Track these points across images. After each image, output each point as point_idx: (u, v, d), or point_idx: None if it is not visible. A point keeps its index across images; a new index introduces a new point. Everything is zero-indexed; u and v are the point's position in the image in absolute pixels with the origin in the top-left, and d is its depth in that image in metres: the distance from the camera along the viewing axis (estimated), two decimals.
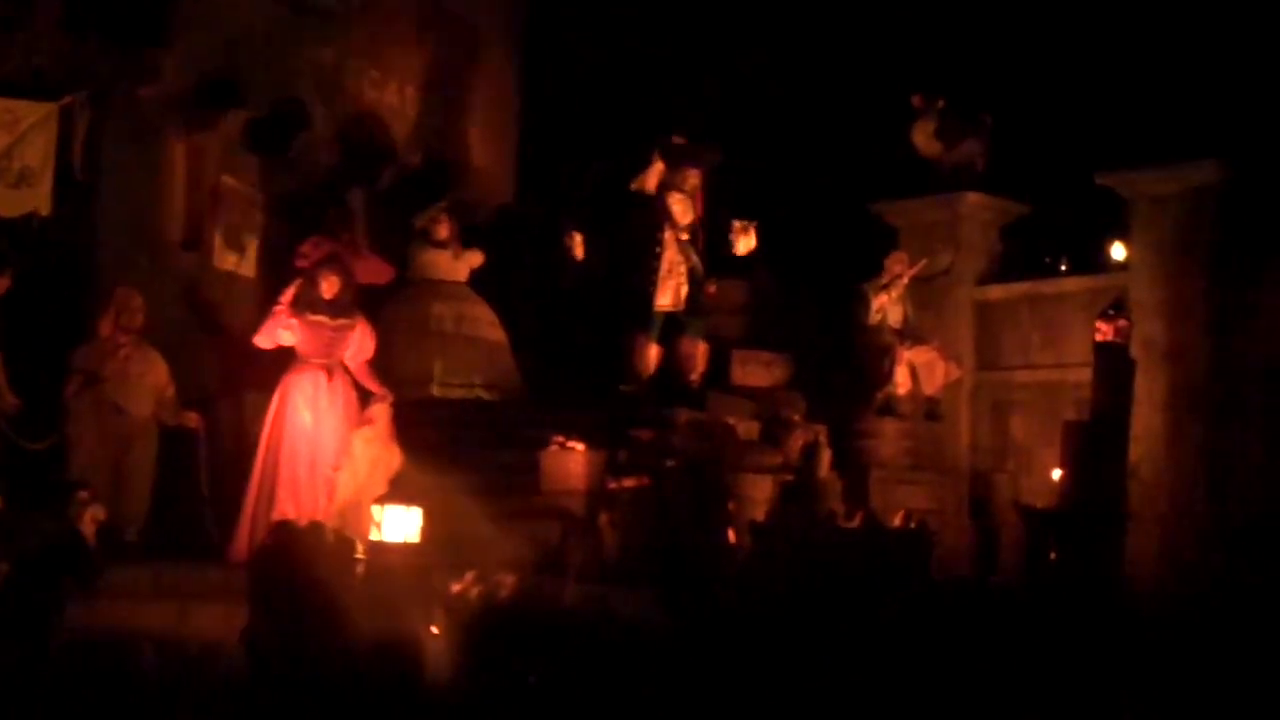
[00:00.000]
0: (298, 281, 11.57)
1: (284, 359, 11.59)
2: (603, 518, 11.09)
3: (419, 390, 13.00)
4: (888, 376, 13.53)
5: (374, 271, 12.22)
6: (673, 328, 13.02)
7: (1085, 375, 12.34)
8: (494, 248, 14.52)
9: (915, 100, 14.57)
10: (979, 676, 8.20)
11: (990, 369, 14.35)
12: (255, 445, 11.41)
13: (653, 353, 12.98)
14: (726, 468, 11.68)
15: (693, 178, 12.98)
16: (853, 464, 13.01)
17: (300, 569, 8.02)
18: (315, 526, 8.79)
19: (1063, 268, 14.61)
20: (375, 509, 9.67)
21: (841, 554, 10.59)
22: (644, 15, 17.17)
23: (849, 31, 17.02)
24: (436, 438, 11.77)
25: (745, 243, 13.27)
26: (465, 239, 14.26)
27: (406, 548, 9.42)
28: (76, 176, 11.65)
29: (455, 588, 8.89)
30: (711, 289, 13.25)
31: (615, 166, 13.86)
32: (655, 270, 12.87)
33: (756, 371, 13.62)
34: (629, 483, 11.25)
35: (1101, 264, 14.13)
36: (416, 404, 12.37)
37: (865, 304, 13.69)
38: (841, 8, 17.12)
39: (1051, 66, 15.80)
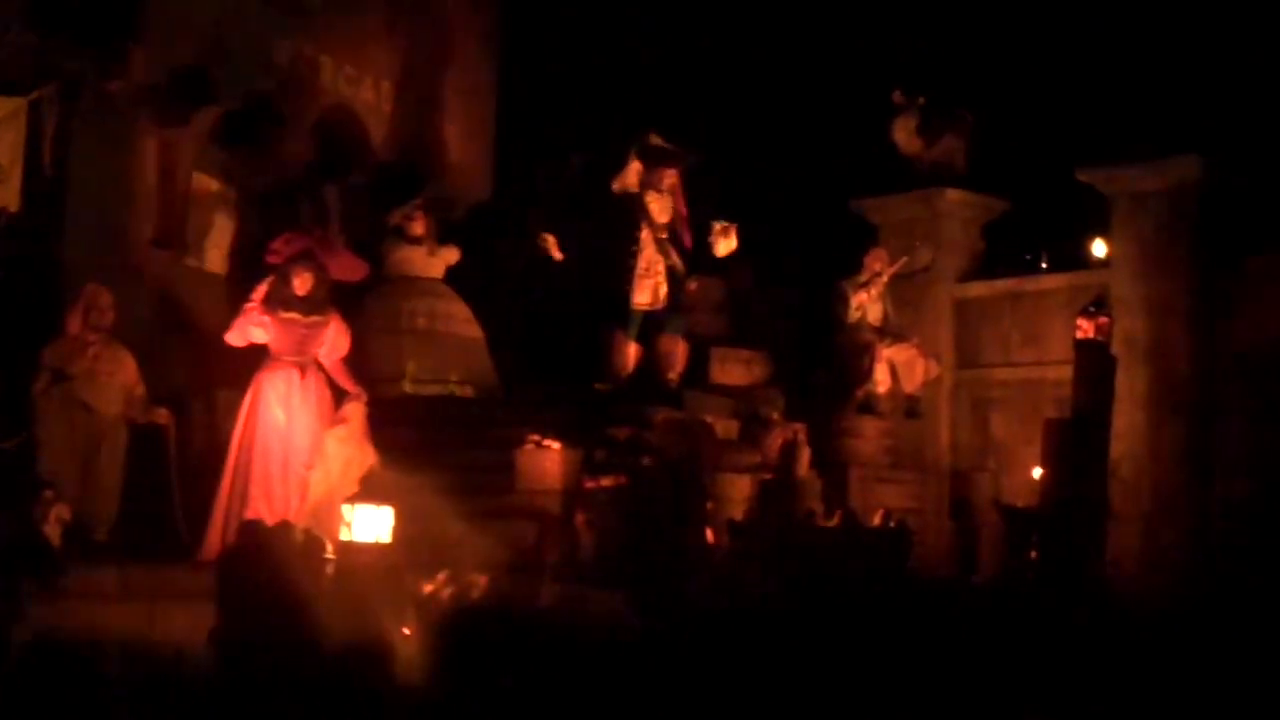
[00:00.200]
0: (270, 278, 11.46)
1: (257, 356, 11.50)
2: (579, 517, 10.98)
3: (393, 388, 12.88)
4: (867, 374, 13.47)
5: (347, 268, 12.10)
6: (652, 326, 12.93)
7: (1066, 373, 12.26)
8: (471, 244, 14.41)
9: (896, 96, 14.52)
10: (960, 676, 8.12)
11: (970, 367, 14.30)
12: (228, 444, 11.32)
13: (632, 351, 12.89)
14: (704, 466, 11.58)
15: (670, 176, 12.89)
16: (832, 463, 12.93)
17: (269, 569, 7.94)
18: (284, 526, 8.71)
19: (1043, 265, 14.57)
20: (345, 508, 9.58)
21: (820, 553, 10.52)
22: (622, 10, 17.09)
23: (829, 27, 16.95)
24: (410, 436, 11.68)
25: (726, 245, 13.09)
26: (442, 235, 14.15)
27: (377, 548, 9.33)
28: (46, 172, 11.52)
29: (427, 588, 8.81)
30: (692, 286, 13.16)
31: (593, 162, 13.76)
32: (632, 269, 12.78)
33: (735, 370, 13.55)
34: (605, 482, 11.15)
35: (1082, 261, 14.10)
36: (391, 402, 12.26)
37: (845, 302, 13.61)
38: (822, 3, 17.05)
39: (1032, 63, 15.76)
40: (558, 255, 13.32)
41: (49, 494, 9.70)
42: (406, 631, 8.21)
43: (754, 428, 12.61)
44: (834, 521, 11.52)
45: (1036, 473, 12.41)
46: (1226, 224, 12.41)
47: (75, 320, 11.06)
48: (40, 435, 10.74)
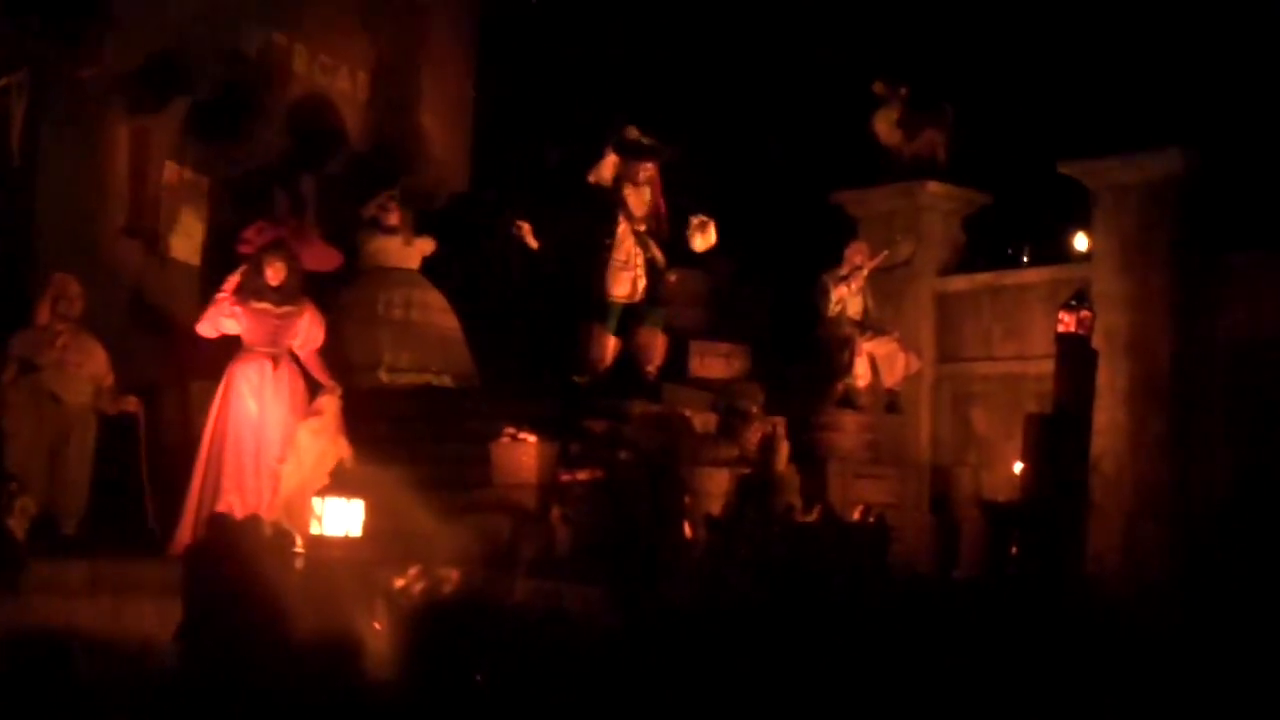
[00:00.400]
0: (242, 268, 11.34)
1: (230, 347, 11.39)
2: (554, 511, 10.90)
3: (369, 377, 12.77)
4: (847, 368, 13.37)
5: (321, 258, 12.01)
6: (630, 319, 12.83)
7: (1047, 367, 12.19)
8: (448, 235, 14.30)
9: (877, 88, 14.41)
10: (940, 672, 8.03)
11: (951, 361, 14.21)
12: (200, 436, 11.20)
13: (610, 344, 12.79)
14: (682, 460, 11.49)
15: (647, 170, 12.79)
16: (811, 457, 12.83)
17: (237, 564, 7.81)
18: (253, 520, 8.59)
19: (1025, 258, 14.50)
20: (316, 501, 9.46)
21: (799, 548, 10.42)
22: (600, 1, 16.98)
23: (810, 18, 16.85)
24: (384, 428, 11.58)
25: (703, 240, 12.96)
26: (418, 226, 14.03)
27: (347, 541, 9.22)
28: (15, 161, 11.40)
29: (398, 583, 8.68)
30: (671, 279, 13.06)
31: (570, 152, 13.65)
32: (608, 262, 12.68)
33: (714, 363, 13.45)
34: (582, 475, 11.08)
35: (1064, 254, 14.02)
36: (365, 393, 12.14)
37: (825, 295, 13.51)
38: None
39: (1014, 55, 15.66)
40: (533, 243, 13.22)
41: (13, 486, 9.57)
42: (377, 627, 8.09)
43: (733, 422, 12.48)
44: (813, 516, 11.43)
45: (1018, 467, 12.33)
46: (1209, 218, 12.35)
47: (44, 310, 10.94)
48: (7, 426, 10.63)
